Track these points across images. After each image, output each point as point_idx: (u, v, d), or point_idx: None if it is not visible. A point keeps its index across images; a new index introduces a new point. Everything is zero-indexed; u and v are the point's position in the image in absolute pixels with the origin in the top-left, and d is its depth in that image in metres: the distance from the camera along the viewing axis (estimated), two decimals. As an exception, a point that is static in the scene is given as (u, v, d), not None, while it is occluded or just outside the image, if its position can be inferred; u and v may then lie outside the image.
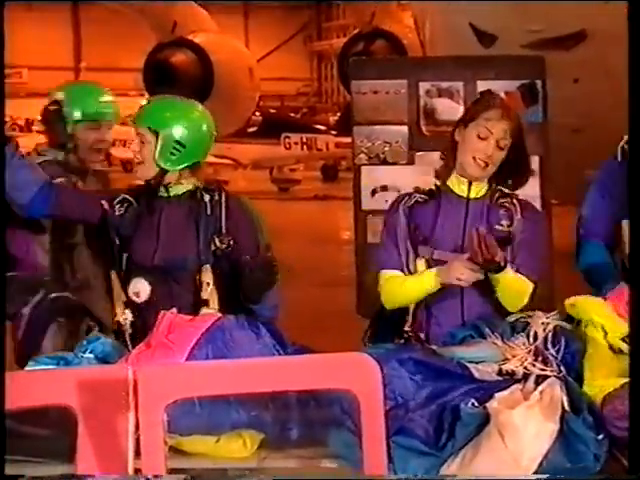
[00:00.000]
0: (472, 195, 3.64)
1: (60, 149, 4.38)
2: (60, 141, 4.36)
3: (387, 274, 3.65)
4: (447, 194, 3.66)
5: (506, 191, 3.66)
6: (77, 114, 4.37)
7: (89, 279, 4.35)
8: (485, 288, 3.57)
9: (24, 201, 3.83)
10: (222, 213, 3.78)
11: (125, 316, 3.72)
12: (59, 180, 4.15)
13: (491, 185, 3.65)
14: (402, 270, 3.62)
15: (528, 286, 3.58)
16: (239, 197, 3.94)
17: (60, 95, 4.36)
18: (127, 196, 3.83)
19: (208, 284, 3.71)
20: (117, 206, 3.81)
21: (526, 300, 3.55)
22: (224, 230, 3.77)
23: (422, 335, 3.58)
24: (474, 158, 3.58)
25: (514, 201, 3.65)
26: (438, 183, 3.70)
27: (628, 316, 3.00)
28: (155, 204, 3.81)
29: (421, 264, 3.59)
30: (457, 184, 3.65)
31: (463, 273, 3.45)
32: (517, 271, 3.57)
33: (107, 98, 4.59)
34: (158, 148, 3.78)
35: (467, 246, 3.45)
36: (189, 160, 3.82)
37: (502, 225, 3.61)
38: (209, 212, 3.77)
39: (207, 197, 3.79)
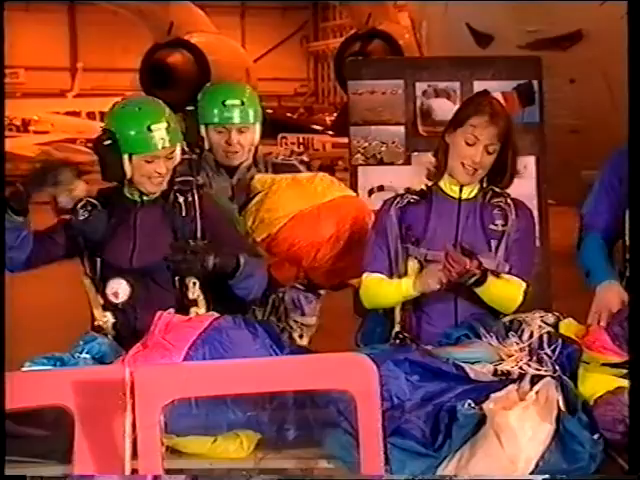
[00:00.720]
0: (464, 196, 3.64)
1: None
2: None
3: (369, 276, 3.64)
4: (439, 195, 3.65)
5: (498, 190, 3.66)
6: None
7: None
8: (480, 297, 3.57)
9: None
10: (197, 214, 3.78)
11: (106, 318, 3.70)
12: None
13: (482, 185, 3.65)
14: (389, 272, 3.61)
15: (519, 288, 3.57)
16: (211, 195, 3.95)
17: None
18: (91, 199, 3.77)
19: (194, 283, 3.71)
20: (80, 210, 3.76)
21: (520, 300, 3.55)
22: (199, 231, 3.77)
23: (413, 334, 3.57)
24: (462, 164, 3.58)
25: (508, 201, 3.65)
26: (429, 184, 3.70)
27: (606, 346, 3.07)
28: (129, 207, 3.76)
29: (412, 265, 3.58)
30: (448, 185, 3.65)
31: (438, 282, 3.46)
32: (509, 272, 3.57)
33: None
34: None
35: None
36: None
37: (496, 225, 3.61)
38: (184, 214, 3.77)
39: (181, 198, 3.78)
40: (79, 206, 3.76)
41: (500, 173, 3.62)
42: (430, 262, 3.54)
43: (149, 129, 3.65)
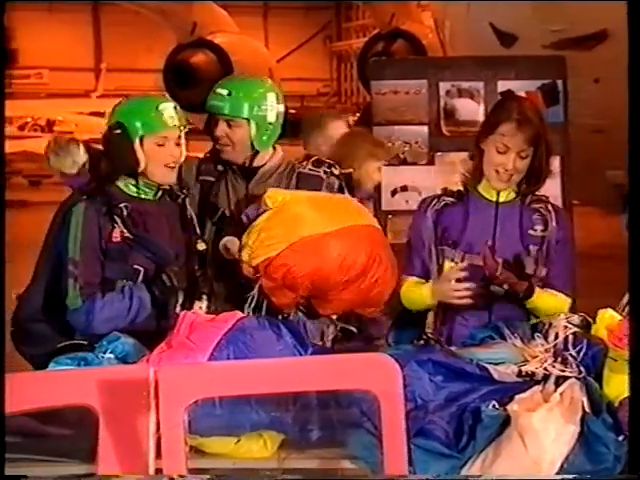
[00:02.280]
0: (501, 199, 3.62)
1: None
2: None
3: (406, 280, 3.67)
4: (475, 197, 3.64)
5: (539, 195, 3.64)
6: None
7: None
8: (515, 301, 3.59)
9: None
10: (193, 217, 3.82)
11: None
12: None
13: (520, 188, 3.62)
14: (425, 275, 3.63)
15: (564, 304, 3.59)
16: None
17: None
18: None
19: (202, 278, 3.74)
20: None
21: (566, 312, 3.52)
22: (198, 230, 3.80)
23: (446, 335, 3.56)
24: (497, 171, 3.56)
25: (549, 207, 3.63)
26: (464, 186, 3.67)
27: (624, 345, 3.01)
28: (140, 208, 3.72)
29: (448, 267, 3.56)
30: (486, 188, 3.63)
31: (455, 290, 3.48)
32: (551, 284, 3.58)
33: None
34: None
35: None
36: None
37: (536, 230, 3.60)
38: (188, 215, 3.80)
39: (185, 198, 3.80)
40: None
41: (534, 176, 3.60)
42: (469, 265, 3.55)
43: (157, 108, 3.68)
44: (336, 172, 4.09)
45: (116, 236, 3.63)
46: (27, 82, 33.39)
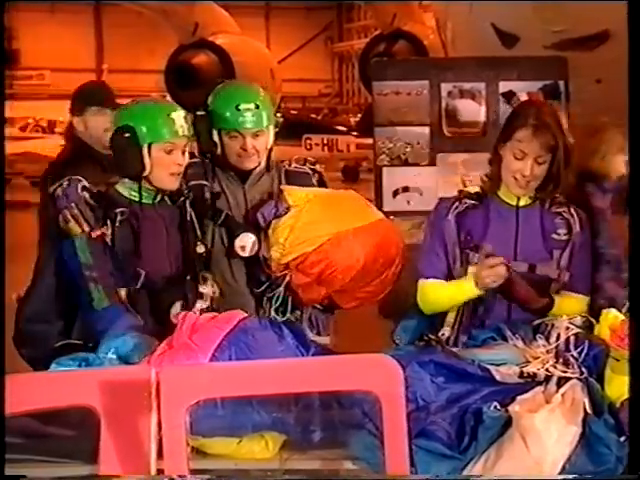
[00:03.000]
0: (521, 203, 3.60)
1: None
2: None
3: (427, 282, 3.61)
4: (495, 201, 3.61)
5: (560, 199, 3.62)
6: None
7: None
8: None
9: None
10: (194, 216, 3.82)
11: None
12: None
13: (539, 192, 3.59)
14: (445, 277, 3.59)
15: (584, 304, 3.59)
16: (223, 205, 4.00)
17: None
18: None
19: (205, 278, 3.75)
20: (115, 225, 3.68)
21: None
22: (199, 232, 3.81)
23: (464, 337, 3.53)
24: (515, 178, 3.54)
25: (571, 210, 3.61)
26: (482, 190, 3.65)
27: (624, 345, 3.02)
28: (132, 208, 3.70)
29: (472, 270, 3.52)
30: (505, 193, 3.61)
31: (491, 276, 3.45)
32: (573, 287, 3.59)
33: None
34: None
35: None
36: None
37: (559, 234, 3.58)
38: (194, 218, 3.81)
39: (186, 200, 3.80)
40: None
41: (553, 181, 3.56)
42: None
43: (169, 116, 3.66)
44: (319, 169, 4.17)
45: (97, 233, 3.61)
46: (29, 83, 33.46)
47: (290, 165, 4.13)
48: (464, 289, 3.52)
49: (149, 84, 24.68)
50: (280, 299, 3.86)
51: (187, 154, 3.74)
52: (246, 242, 3.91)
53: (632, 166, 2.77)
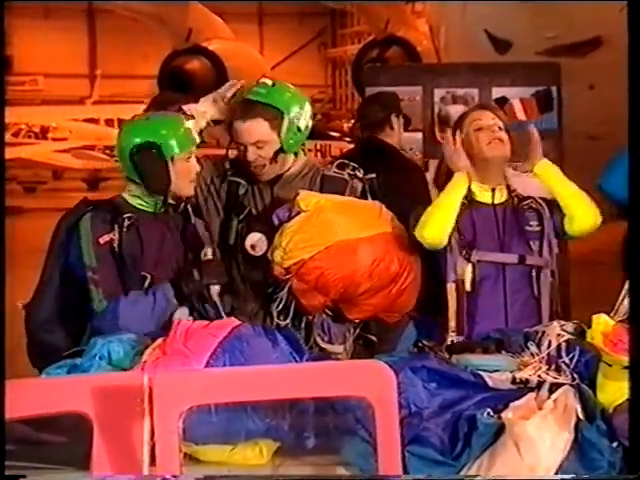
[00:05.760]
0: (496, 201, 3.81)
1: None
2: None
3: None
4: (473, 204, 3.79)
5: (524, 194, 3.82)
6: None
7: None
8: (531, 298, 3.72)
9: None
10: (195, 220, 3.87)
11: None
12: None
13: (510, 189, 3.82)
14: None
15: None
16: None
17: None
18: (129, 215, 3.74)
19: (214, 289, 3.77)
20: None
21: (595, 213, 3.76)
22: (205, 236, 3.87)
23: (466, 336, 3.66)
24: (488, 145, 3.79)
25: (538, 200, 3.81)
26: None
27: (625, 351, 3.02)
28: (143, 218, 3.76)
29: (468, 269, 3.71)
30: (480, 191, 3.80)
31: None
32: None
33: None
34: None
35: None
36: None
37: (532, 225, 3.77)
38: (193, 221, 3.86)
39: (187, 205, 3.85)
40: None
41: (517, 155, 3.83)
42: (482, 263, 3.71)
43: (185, 126, 3.79)
44: (360, 175, 4.09)
45: (105, 239, 3.67)
46: (22, 89, 33.39)
47: (329, 170, 4.09)
48: (451, 184, 3.74)
49: (142, 90, 24.65)
50: (283, 303, 3.84)
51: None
52: (256, 242, 3.93)
53: (632, 167, 2.78)
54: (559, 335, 3.29)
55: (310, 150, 24.71)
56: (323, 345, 3.87)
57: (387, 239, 3.78)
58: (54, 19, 35.91)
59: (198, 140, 3.84)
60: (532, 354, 3.25)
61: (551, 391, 3.07)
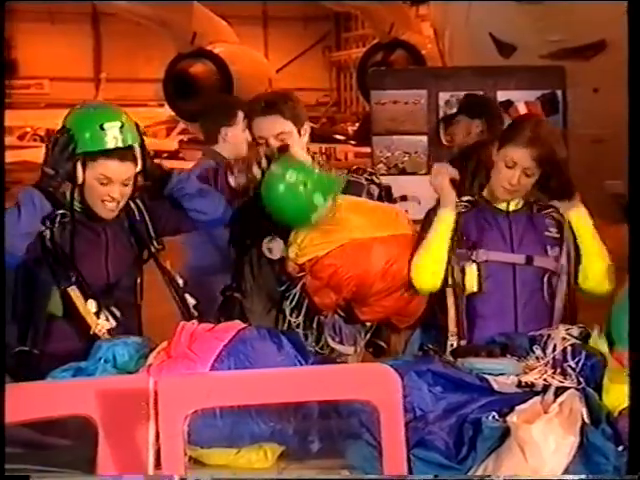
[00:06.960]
0: (511, 208, 3.77)
1: None
2: None
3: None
4: (487, 208, 3.77)
5: (546, 203, 3.77)
6: None
7: None
8: (542, 301, 3.69)
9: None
10: (146, 216, 3.84)
11: (100, 326, 3.71)
12: None
13: (528, 198, 3.78)
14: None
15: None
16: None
17: None
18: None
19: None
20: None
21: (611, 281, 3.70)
22: (152, 232, 3.84)
23: (468, 339, 3.64)
24: (502, 186, 3.71)
25: (561, 211, 3.76)
26: (475, 198, 3.81)
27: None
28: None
29: (471, 269, 3.68)
30: (496, 201, 3.77)
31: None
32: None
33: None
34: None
35: None
36: None
37: (551, 232, 3.73)
38: (138, 218, 3.83)
39: (132, 204, 3.82)
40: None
41: (545, 191, 3.73)
42: (489, 263, 3.68)
43: (102, 127, 3.69)
44: (377, 181, 4.13)
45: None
46: (27, 92, 33.43)
47: (347, 174, 4.12)
48: (437, 222, 3.70)
49: (147, 93, 24.71)
50: (296, 300, 3.86)
51: (129, 186, 3.78)
52: (272, 245, 3.93)
53: (632, 168, 2.78)
54: (564, 339, 3.29)
55: (315, 153, 24.73)
56: (334, 345, 3.89)
57: (402, 241, 3.80)
58: (59, 23, 35.96)
59: (120, 142, 3.71)
60: (537, 358, 3.25)
61: (556, 395, 3.07)
